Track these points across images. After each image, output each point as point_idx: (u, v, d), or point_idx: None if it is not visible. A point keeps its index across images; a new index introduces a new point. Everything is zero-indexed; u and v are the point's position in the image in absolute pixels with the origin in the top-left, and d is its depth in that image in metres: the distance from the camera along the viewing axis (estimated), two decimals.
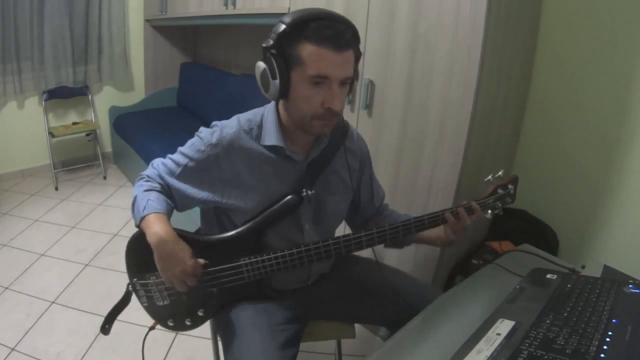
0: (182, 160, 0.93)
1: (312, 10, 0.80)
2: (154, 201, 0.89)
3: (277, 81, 0.81)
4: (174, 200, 0.96)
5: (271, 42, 0.80)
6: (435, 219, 0.93)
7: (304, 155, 0.95)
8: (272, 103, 0.94)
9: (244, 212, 0.94)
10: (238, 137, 0.91)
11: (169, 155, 0.97)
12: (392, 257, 1.53)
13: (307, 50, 0.78)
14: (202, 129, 0.95)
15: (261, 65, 0.83)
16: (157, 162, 0.99)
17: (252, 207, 0.93)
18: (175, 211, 0.97)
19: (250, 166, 0.92)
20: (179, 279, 0.86)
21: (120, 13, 3.23)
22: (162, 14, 3.07)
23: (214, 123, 0.95)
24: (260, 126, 0.93)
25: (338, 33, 0.79)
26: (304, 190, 0.93)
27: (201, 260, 0.89)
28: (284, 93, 0.83)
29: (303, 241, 0.97)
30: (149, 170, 0.98)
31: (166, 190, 0.95)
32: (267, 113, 0.94)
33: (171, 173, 0.95)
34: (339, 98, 0.82)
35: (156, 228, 0.85)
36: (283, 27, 0.79)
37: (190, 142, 0.95)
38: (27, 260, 2.16)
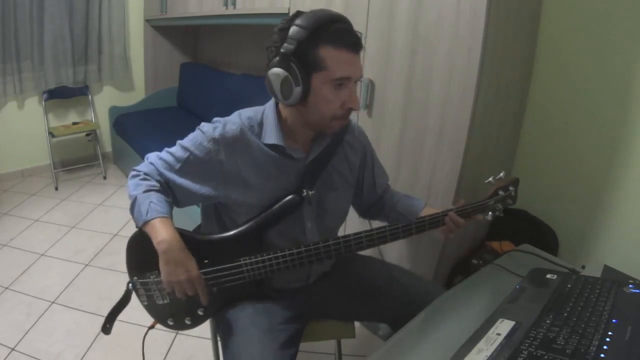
0: (183, 154, 0.92)
1: (323, 12, 0.81)
2: (157, 204, 0.88)
3: (300, 88, 0.81)
4: (174, 197, 0.94)
5: (292, 48, 0.79)
6: (436, 222, 0.93)
7: (305, 153, 0.95)
8: (272, 102, 0.94)
9: (245, 209, 0.93)
10: (241, 133, 0.91)
11: (167, 149, 0.95)
12: (392, 256, 1.53)
13: (329, 53, 0.79)
14: (203, 123, 0.94)
15: (281, 72, 0.81)
16: (153, 157, 0.96)
17: (253, 203, 0.92)
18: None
19: (251, 163, 0.92)
20: (182, 286, 0.86)
21: (120, 13, 3.23)
22: (162, 14, 3.07)
23: (215, 119, 0.95)
24: (260, 124, 0.93)
25: (353, 35, 0.81)
26: (304, 189, 0.93)
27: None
28: (304, 98, 0.83)
29: (305, 240, 0.97)
30: (145, 167, 0.95)
31: (165, 187, 0.93)
32: (267, 111, 0.94)
33: (170, 168, 0.93)
34: (357, 97, 0.85)
35: (164, 235, 0.85)
36: (302, 31, 0.78)
37: (191, 135, 0.93)
38: (27, 260, 2.16)
